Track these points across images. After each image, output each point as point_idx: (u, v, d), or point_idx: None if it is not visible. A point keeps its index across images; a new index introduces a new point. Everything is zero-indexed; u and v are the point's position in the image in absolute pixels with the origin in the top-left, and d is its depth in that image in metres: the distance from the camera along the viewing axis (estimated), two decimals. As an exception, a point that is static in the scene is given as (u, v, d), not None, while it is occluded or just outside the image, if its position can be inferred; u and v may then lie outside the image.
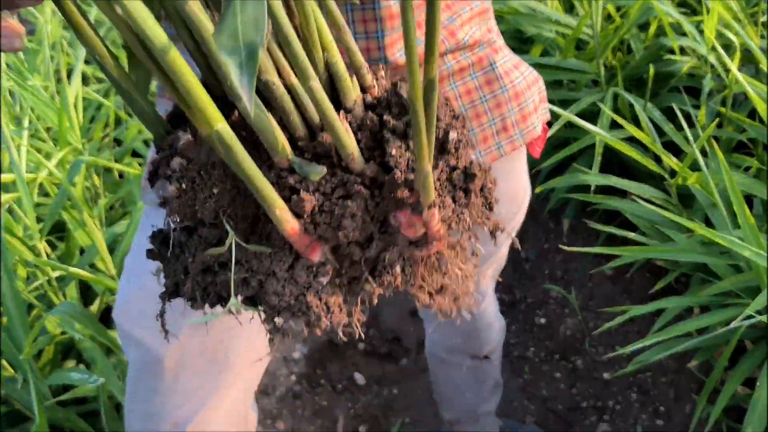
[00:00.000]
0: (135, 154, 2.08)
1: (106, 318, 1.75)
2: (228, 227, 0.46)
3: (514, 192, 1.10)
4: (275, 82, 0.43)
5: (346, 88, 0.47)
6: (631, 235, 1.59)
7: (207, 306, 0.50)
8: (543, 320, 2.04)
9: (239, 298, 0.48)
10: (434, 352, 1.55)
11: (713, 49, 1.67)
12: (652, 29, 1.87)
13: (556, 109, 1.55)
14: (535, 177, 2.06)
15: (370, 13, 0.80)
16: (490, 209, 0.50)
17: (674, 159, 1.56)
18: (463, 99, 0.92)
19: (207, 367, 1.01)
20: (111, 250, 1.73)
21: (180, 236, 0.48)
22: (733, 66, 1.39)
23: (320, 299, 0.47)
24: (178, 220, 0.47)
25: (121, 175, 2.01)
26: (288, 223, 0.45)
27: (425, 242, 0.48)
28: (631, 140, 1.72)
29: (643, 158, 1.56)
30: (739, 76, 1.36)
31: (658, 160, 1.63)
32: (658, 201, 1.59)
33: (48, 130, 2.08)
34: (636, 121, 1.75)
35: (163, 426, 1.04)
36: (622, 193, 1.79)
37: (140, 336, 0.99)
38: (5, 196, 1.58)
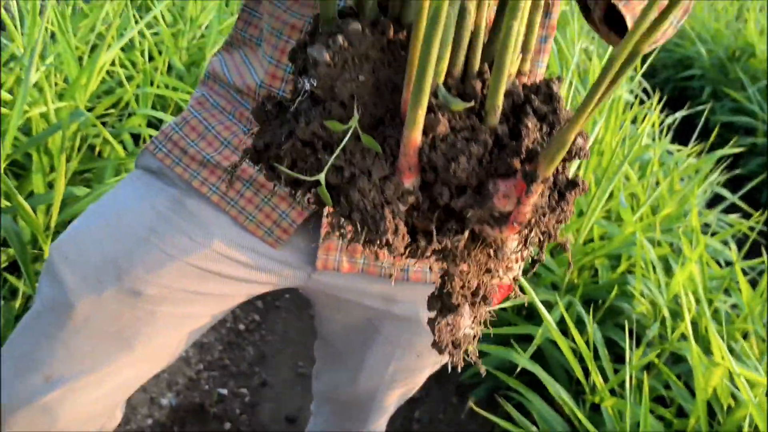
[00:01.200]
0: (123, 146, 2.09)
1: (15, 269, 1.69)
2: (356, 111, 0.49)
3: None
4: (471, 12, 0.48)
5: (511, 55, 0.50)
6: (533, 429, 1.62)
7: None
8: (409, 483, 2.01)
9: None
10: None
11: (671, 302, 1.79)
12: (623, 267, 2.00)
13: (525, 283, 1.63)
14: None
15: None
16: (556, 231, 0.53)
17: (600, 379, 1.62)
18: None
19: (111, 338, 0.98)
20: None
21: (305, 103, 0.51)
22: (688, 317, 1.49)
23: (394, 219, 0.49)
24: (315, 84, 0.50)
25: (100, 155, 2.00)
26: (418, 130, 0.48)
27: (505, 221, 0.50)
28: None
29: (576, 366, 1.63)
30: (691, 334, 1.46)
31: (585, 374, 1.69)
32: (568, 409, 1.63)
33: (55, 85, 2.09)
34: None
35: (33, 375, 0.98)
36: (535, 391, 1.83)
37: (64, 275, 0.96)
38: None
